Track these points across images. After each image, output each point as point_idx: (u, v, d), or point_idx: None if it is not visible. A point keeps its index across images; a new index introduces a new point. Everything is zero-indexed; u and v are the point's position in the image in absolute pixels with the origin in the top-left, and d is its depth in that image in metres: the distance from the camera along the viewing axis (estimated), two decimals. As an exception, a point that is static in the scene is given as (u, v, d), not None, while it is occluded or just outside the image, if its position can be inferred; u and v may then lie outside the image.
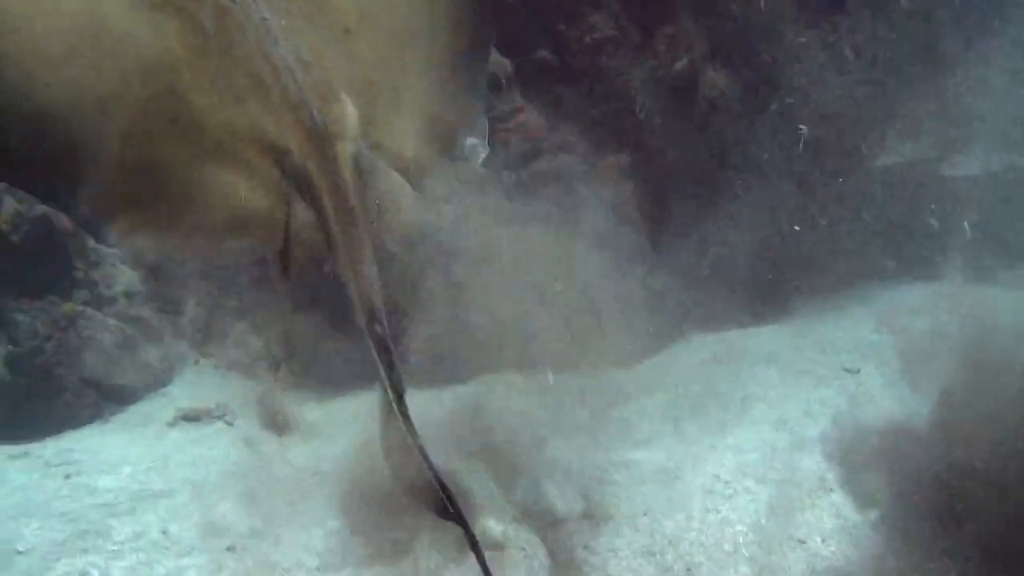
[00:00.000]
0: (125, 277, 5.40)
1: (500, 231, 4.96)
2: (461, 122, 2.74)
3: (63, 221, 5.19)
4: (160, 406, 5.08)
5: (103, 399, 5.07)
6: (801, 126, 5.41)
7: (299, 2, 2.42)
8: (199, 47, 2.27)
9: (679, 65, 5.61)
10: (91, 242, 5.37)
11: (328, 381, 5.03)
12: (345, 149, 2.41)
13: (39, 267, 5.08)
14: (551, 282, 5.05)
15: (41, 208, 5.04)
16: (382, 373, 2.32)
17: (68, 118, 2.17)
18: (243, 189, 2.36)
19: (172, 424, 4.92)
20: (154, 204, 2.29)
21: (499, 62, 5.51)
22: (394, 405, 2.33)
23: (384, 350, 2.32)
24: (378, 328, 2.34)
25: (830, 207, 5.53)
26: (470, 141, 2.81)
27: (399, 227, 2.64)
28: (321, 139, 2.36)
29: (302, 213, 2.40)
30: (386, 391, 2.32)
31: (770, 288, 5.57)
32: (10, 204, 4.96)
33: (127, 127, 2.22)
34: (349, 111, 2.44)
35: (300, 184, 2.38)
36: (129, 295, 5.37)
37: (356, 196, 2.38)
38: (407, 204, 2.61)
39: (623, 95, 5.61)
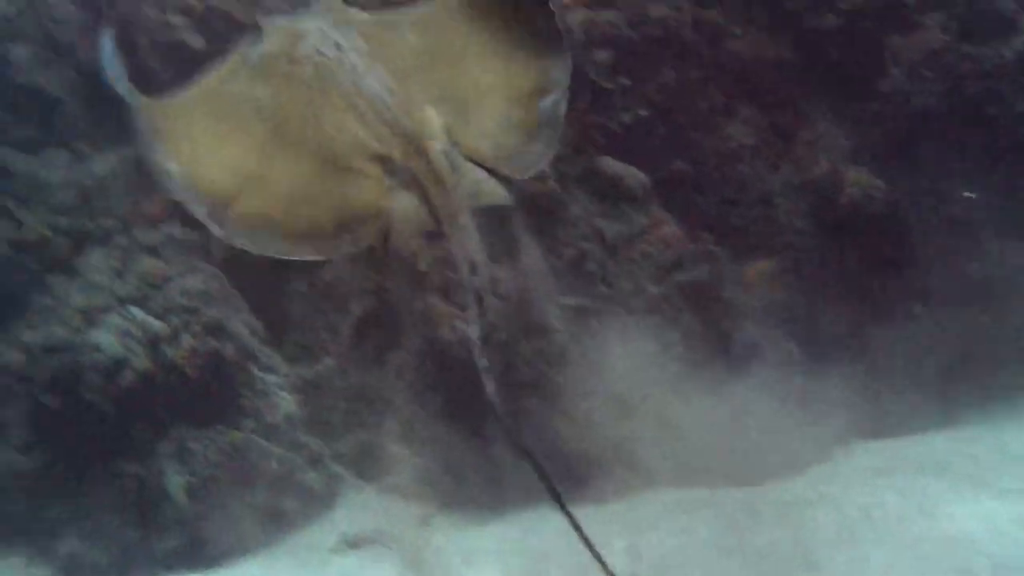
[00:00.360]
0: (286, 404, 5.63)
1: (651, 349, 4.96)
2: (539, 104, 3.30)
3: (230, 352, 5.51)
4: (324, 532, 5.19)
5: (270, 525, 5.25)
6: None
7: (376, 49, 3.24)
8: (306, 95, 3.12)
9: (819, 169, 5.54)
10: (255, 370, 5.66)
11: (485, 503, 5.07)
12: (435, 146, 3.13)
13: (210, 398, 5.40)
14: (705, 396, 4.98)
15: (213, 343, 5.39)
16: (473, 314, 3.00)
17: (253, 168, 3.03)
18: (352, 191, 3.11)
19: (335, 551, 5.03)
20: (280, 213, 3.03)
21: (634, 175, 5.59)
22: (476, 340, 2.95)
23: (479, 299, 3.00)
24: (476, 279, 3.02)
25: (1003, 305, 5.24)
26: (546, 101, 3.24)
27: (485, 201, 3.25)
28: (414, 140, 3.11)
29: (406, 200, 3.12)
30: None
31: (937, 393, 5.29)
32: (187, 340, 5.32)
33: (263, 159, 3.04)
34: (432, 116, 3.19)
35: (405, 179, 3.12)
36: (291, 421, 5.59)
37: (450, 180, 3.08)
38: (489, 188, 3.24)
39: (763, 202, 5.58)
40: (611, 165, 5.52)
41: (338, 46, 3.18)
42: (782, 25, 5.61)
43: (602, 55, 5.38)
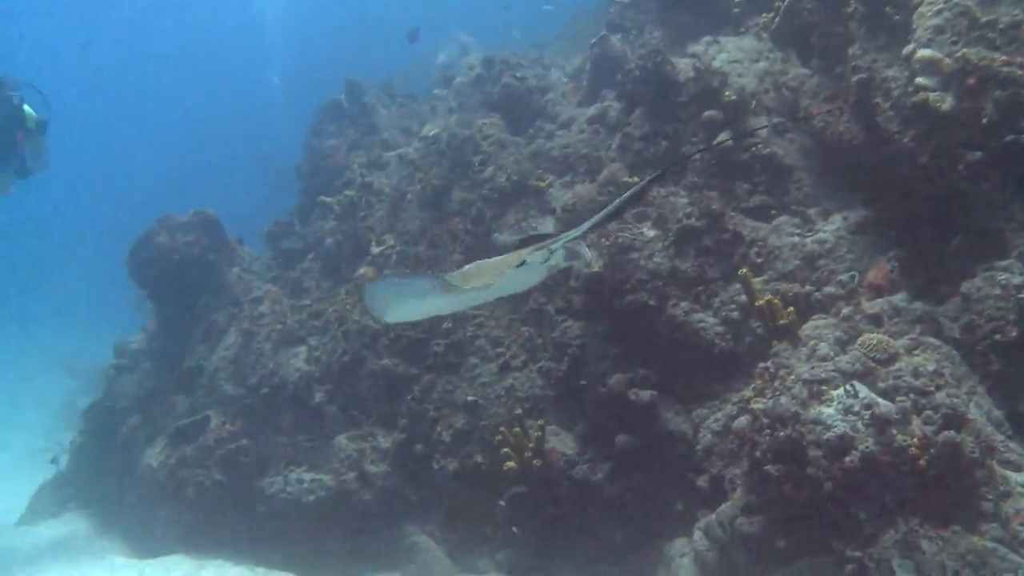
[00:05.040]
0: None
1: None
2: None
3: (968, 444, 4.85)
4: None
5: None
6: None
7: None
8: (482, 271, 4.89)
9: None
10: (998, 467, 4.94)
11: None
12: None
13: (944, 493, 4.83)
14: None
15: (948, 431, 4.78)
16: None
17: None
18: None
19: None
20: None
21: None
22: None
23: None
24: None
25: None
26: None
27: None
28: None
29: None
30: None
31: None
32: (918, 425, 4.86)
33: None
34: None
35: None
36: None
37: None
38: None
39: None
40: None
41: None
42: None
43: None
